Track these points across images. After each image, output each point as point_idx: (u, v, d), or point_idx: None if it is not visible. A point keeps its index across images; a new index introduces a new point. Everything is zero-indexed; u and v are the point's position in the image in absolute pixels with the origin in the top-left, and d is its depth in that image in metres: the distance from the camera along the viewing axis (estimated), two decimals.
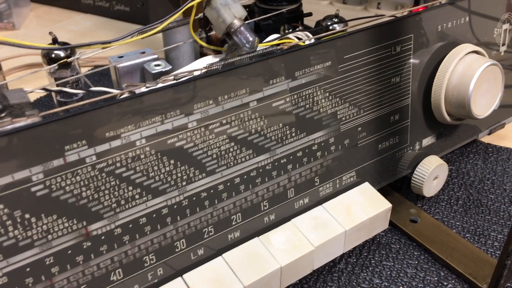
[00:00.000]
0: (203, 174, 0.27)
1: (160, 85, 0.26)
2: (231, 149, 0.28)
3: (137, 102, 0.24)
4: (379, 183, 0.37)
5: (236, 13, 0.27)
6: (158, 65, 0.37)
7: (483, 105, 0.35)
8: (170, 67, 0.38)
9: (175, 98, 0.25)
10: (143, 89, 0.26)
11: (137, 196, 0.25)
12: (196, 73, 0.27)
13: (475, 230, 0.37)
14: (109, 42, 0.28)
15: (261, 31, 0.37)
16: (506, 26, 0.40)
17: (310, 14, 0.39)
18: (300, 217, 0.32)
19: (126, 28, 0.78)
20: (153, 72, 0.37)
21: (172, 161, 0.26)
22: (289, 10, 0.35)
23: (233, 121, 0.27)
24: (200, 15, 0.32)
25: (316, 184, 0.33)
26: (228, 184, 0.29)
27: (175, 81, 0.26)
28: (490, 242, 0.36)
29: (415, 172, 0.37)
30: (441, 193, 0.41)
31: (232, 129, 0.28)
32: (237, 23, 0.27)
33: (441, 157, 0.39)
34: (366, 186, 0.35)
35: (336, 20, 0.39)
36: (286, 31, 0.36)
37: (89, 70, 0.36)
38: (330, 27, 0.39)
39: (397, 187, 0.41)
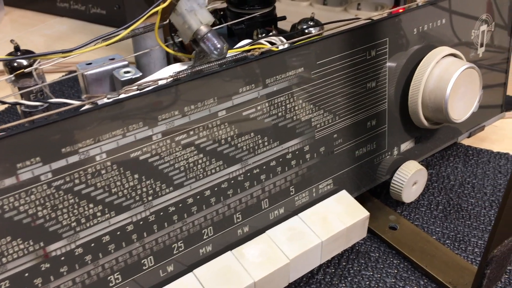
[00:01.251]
0: (171, 188, 0.26)
1: (122, 95, 0.25)
2: (200, 161, 0.27)
3: (96, 114, 0.23)
4: (358, 190, 0.36)
5: (203, 19, 0.26)
6: (128, 72, 0.36)
7: (460, 109, 0.35)
8: (140, 74, 0.37)
9: (137, 110, 0.24)
10: (104, 100, 0.24)
11: (99, 214, 0.24)
12: (161, 82, 0.26)
13: (455, 236, 0.37)
14: (71, 51, 0.27)
15: (234, 36, 0.36)
16: (483, 27, 0.39)
17: (284, 18, 0.38)
18: (275, 228, 0.31)
19: (103, 32, 0.76)
20: (122, 79, 0.35)
21: (136, 176, 0.25)
22: (262, 14, 0.34)
23: (201, 132, 0.26)
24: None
25: (291, 193, 0.32)
26: (198, 197, 0.27)
27: (138, 91, 0.25)
28: (470, 249, 0.35)
29: (393, 178, 0.36)
30: (421, 198, 0.40)
31: (200, 140, 0.26)
32: (203, 29, 0.26)
33: (421, 161, 0.38)
34: (343, 194, 0.34)
35: (311, 23, 0.38)
36: (259, 36, 0.35)
37: (61, 77, 0.34)
38: (306, 31, 0.38)
39: (377, 192, 0.41)
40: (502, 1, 0.40)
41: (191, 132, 0.26)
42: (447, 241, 0.36)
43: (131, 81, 0.35)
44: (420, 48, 0.35)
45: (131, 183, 0.25)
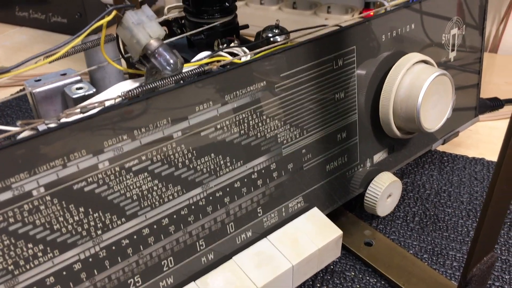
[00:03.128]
0: (123, 219, 0.24)
1: (63, 119, 0.22)
2: (155, 188, 0.25)
3: (30, 144, 0.20)
4: (330, 206, 0.34)
5: (152, 32, 0.24)
6: (80, 88, 0.33)
7: (433, 118, 0.33)
8: (94, 90, 0.34)
9: (80, 136, 0.22)
10: (42, 127, 0.22)
11: (40, 254, 0.21)
12: (108, 103, 0.24)
13: (433, 249, 0.35)
14: (7, 71, 0.24)
15: (194, 47, 0.34)
16: (454, 30, 0.38)
17: (246, 27, 0.36)
18: (243, 253, 0.29)
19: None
20: (74, 96, 0.33)
21: (81, 209, 0.22)
22: (222, 23, 0.32)
23: (155, 156, 0.24)
24: None
25: (259, 215, 0.30)
26: (155, 226, 0.25)
27: (81, 115, 0.22)
28: (449, 263, 0.34)
29: (367, 192, 0.35)
30: (396, 210, 0.39)
31: (154, 165, 0.24)
32: (154, 43, 0.24)
33: (396, 171, 0.37)
34: (315, 212, 0.32)
35: (276, 31, 0.36)
36: (221, 46, 0.33)
37: (9, 96, 0.31)
38: (271, 39, 0.36)
39: (351, 205, 0.39)
40: (473, 1, 0.39)
41: (143, 157, 0.24)
42: (424, 256, 0.35)
43: (84, 98, 0.33)
44: (389, 55, 0.33)
45: (76, 218, 0.22)
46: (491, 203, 0.24)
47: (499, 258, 0.34)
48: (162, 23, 0.39)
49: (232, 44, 0.33)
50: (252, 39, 0.39)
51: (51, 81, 0.34)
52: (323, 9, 0.67)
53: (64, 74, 0.35)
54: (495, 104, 0.51)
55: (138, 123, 0.23)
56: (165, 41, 0.35)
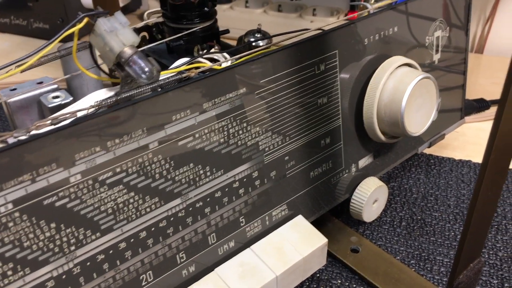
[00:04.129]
0: (97, 234, 0.23)
1: (34, 132, 0.21)
2: (131, 200, 0.24)
3: None
4: (316, 213, 0.33)
5: (125, 40, 0.23)
6: (57, 97, 0.33)
7: (417, 122, 0.33)
8: (71, 98, 0.33)
9: (50, 149, 0.21)
10: (11, 140, 0.21)
11: (10, 273, 0.21)
12: (81, 114, 0.23)
13: (420, 255, 0.35)
14: None
15: (174, 53, 0.33)
16: (438, 33, 0.38)
17: (227, 31, 0.35)
18: (225, 265, 0.28)
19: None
20: (50, 106, 0.32)
21: (53, 225, 0.21)
22: (202, 28, 0.32)
23: (130, 168, 0.23)
24: None
25: (241, 224, 0.29)
26: (132, 240, 0.24)
27: (53, 127, 0.22)
28: (436, 268, 0.33)
29: (352, 197, 0.34)
30: (383, 215, 0.38)
31: (130, 177, 0.23)
32: (127, 51, 0.23)
33: (382, 175, 0.36)
34: (299, 220, 0.31)
35: (258, 35, 0.35)
36: (200, 52, 0.32)
37: None
38: (253, 44, 0.36)
39: (337, 211, 0.38)
40: (457, 2, 0.38)
41: (118, 169, 0.23)
42: (412, 261, 0.34)
43: (60, 107, 0.32)
44: (373, 58, 0.33)
45: (48, 234, 0.21)
46: (475, 210, 0.24)
47: (487, 263, 0.34)
48: (142, 29, 0.39)
49: (212, 50, 0.32)
50: (236, 43, 0.38)
51: (27, 90, 0.33)
52: (308, 12, 0.66)
53: (41, 83, 0.34)
54: (481, 105, 0.51)
55: (111, 134, 0.22)
56: (145, 47, 0.34)
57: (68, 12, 0.68)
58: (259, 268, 0.28)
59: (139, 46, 0.38)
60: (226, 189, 0.27)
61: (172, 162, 0.25)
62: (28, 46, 0.71)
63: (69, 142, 0.21)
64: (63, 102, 0.32)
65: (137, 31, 0.38)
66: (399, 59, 0.33)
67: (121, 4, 0.75)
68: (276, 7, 0.68)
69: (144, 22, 0.38)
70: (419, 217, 0.38)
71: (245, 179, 0.28)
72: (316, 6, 0.67)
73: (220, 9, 0.69)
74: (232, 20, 0.68)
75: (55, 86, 0.33)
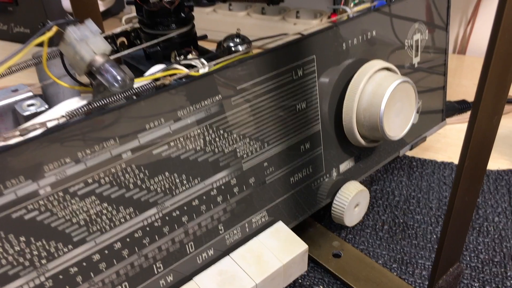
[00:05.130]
0: (70, 247, 0.22)
1: (1, 143, 0.21)
2: (105, 211, 0.23)
3: None
4: (297, 219, 0.33)
5: (96, 48, 0.23)
6: (32, 104, 0.32)
7: (397, 126, 0.33)
8: (46, 106, 0.33)
9: (17, 161, 0.20)
10: None
11: None
12: (51, 124, 0.23)
13: (402, 258, 0.35)
14: None
15: (151, 59, 0.33)
16: (417, 36, 0.38)
17: (205, 37, 0.35)
18: (204, 273, 0.28)
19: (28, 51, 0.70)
20: (25, 114, 0.31)
21: (22, 238, 0.21)
22: (179, 34, 0.31)
23: (103, 179, 0.23)
24: None
25: (220, 232, 0.29)
26: (106, 251, 0.24)
27: (21, 138, 0.21)
28: (418, 272, 0.33)
29: (333, 202, 0.34)
30: (366, 218, 0.38)
31: (102, 187, 0.23)
32: (99, 60, 0.23)
33: (364, 179, 0.36)
34: (279, 226, 0.31)
35: (238, 40, 0.35)
36: (178, 58, 0.32)
37: None
38: (233, 49, 0.35)
39: (320, 215, 0.38)
40: (435, 4, 0.38)
41: (89, 180, 0.22)
42: (394, 265, 0.34)
43: (36, 116, 0.31)
44: (351, 62, 0.33)
45: (17, 248, 0.21)
46: (452, 214, 0.24)
47: (468, 265, 0.34)
48: (120, 34, 0.38)
49: (189, 56, 0.32)
50: (215, 47, 0.38)
51: (1, 98, 0.33)
52: (291, 14, 0.66)
53: (16, 90, 0.33)
54: (463, 106, 0.51)
55: (82, 145, 0.22)
56: (123, 53, 0.34)
57: (49, 16, 0.67)
58: (238, 276, 0.28)
59: (117, 51, 0.38)
60: (204, 197, 0.27)
61: (146, 171, 0.24)
62: (9, 51, 0.70)
63: (38, 153, 0.21)
64: (38, 110, 0.32)
65: (116, 36, 0.38)
66: (378, 63, 0.33)
67: (102, 8, 0.74)
68: (260, 9, 0.68)
69: (122, 27, 0.38)
70: (401, 220, 0.38)
71: (223, 187, 0.28)
72: (299, 8, 0.67)
73: (203, 12, 0.68)
74: (216, 23, 0.68)
75: (30, 93, 0.33)
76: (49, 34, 0.23)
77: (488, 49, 0.19)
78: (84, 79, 0.28)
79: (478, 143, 0.22)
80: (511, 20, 0.18)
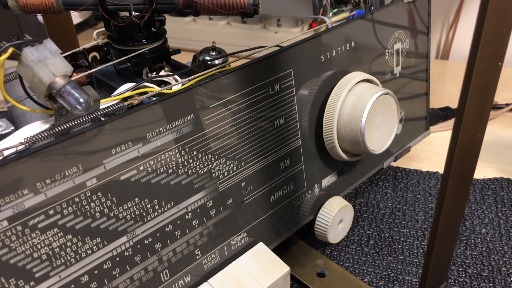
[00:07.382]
0: (31, 283, 0.21)
1: None
2: (69, 243, 0.22)
3: None
4: (278, 238, 0.32)
5: (56, 70, 0.21)
6: None
7: (379, 139, 0.32)
8: (12, 127, 0.31)
9: None
10: None
11: None
12: (8, 152, 0.21)
13: (389, 275, 0.33)
14: None
15: (122, 76, 0.31)
16: (397, 45, 0.37)
17: (178, 52, 0.34)
18: None
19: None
20: None
21: None
22: (150, 49, 0.30)
23: (65, 209, 0.21)
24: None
25: (197, 257, 0.27)
26: (73, 286, 0.22)
27: None
28: None
29: (316, 219, 0.33)
30: (351, 233, 0.37)
31: (65, 218, 0.21)
32: (59, 82, 0.21)
33: (348, 193, 0.35)
34: (260, 248, 0.30)
35: (213, 53, 0.33)
36: (149, 75, 0.30)
37: None
38: (209, 63, 0.34)
39: (303, 232, 0.37)
40: (415, 12, 0.38)
41: (51, 212, 0.21)
42: (380, 283, 0.33)
43: (1, 138, 0.29)
44: (331, 75, 0.32)
45: None
46: (437, 237, 0.22)
47: (456, 281, 0.33)
48: (92, 49, 0.37)
49: (162, 72, 0.30)
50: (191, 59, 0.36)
51: None
52: (273, 23, 0.65)
53: None
54: (447, 113, 0.50)
55: (41, 174, 0.20)
56: (95, 69, 0.33)
57: (24, 29, 0.65)
58: None
59: (89, 67, 0.36)
60: (178, 222, 0.26)
61: (114, 198, 0.23)
62: None
63: None
64: (3, 132, 0.30)
65: (87, 51, 0.36)
66: (358, 75, 0.32)
67: (79, 20, 0.72)
68: (240, 18, 0.67)
69: (94, 42, 0.37)
70: (387, 235, 0.37)
71: (198, 210, 0.27)
72: (281, 16, 0.66)
73: (183, 21, 0.67)
74: (196, 32, 0.67)
75: None
76: (4, 56, 0.21)
77: (467, 69, 0.18)
78: None
79: (462, 160, 0.21)
80: (493, 24, 0.17)
